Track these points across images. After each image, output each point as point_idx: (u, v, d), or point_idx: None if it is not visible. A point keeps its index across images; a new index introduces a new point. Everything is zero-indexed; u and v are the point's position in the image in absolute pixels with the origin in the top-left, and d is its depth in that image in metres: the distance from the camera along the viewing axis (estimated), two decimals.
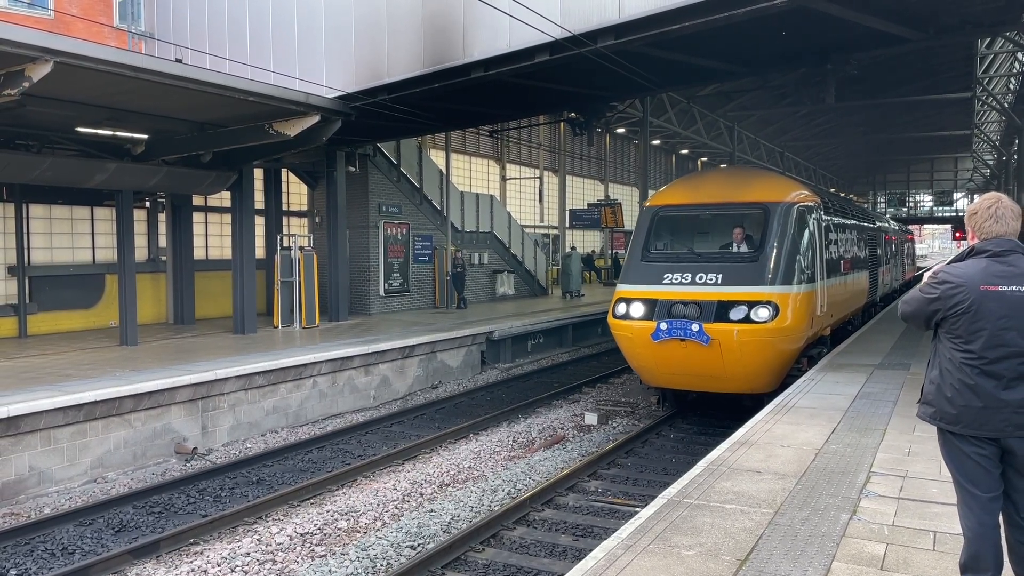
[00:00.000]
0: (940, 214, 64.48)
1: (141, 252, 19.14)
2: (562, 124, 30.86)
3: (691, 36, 11.15)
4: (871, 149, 54.65)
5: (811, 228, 11.69)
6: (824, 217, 12.70)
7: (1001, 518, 3.81)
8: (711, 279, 10.87)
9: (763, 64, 15.40)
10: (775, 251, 10.93)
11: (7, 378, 11.51)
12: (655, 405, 13.53)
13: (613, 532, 5.40)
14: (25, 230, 16.90)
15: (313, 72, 14.60)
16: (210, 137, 15.03)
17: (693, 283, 10.94)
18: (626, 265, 12.03)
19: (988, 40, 28.28)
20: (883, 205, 64.80)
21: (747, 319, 10.44)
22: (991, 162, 55.88)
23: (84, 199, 18.01)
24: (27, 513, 9.26)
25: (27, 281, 16.94)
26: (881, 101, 31.35)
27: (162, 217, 19.70)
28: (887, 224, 24.63)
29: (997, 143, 46.67)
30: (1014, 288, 3.63)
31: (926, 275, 3.98)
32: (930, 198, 66.11)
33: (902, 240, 28.50)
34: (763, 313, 10.45)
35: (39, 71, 9.84)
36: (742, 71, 15.76)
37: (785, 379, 11.34)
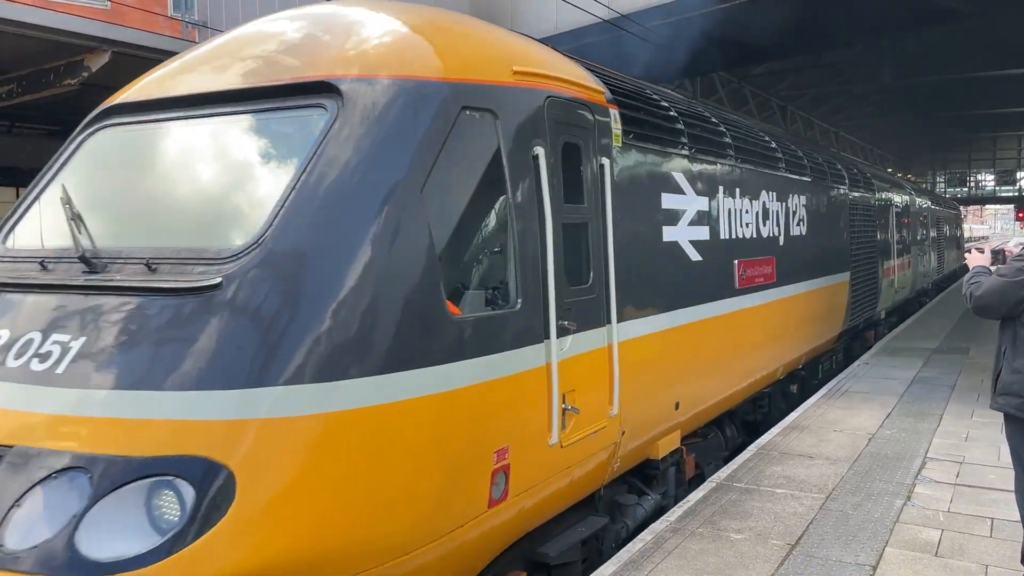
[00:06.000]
0: (1002, 193, 62.55)
1: None
2: None
3: (743, 14, 10.97)
4: (930, 128, 53.20)
5: (546, 176, 4.28)
6: (658, 150, 5.73)
7: None
8: (63, 350, 3.30)
9: (818, 42, 15.09)
10: (290, 247, 3.40)
11: None
12: None
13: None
14: None
15: None
16: None
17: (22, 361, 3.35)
18: None
19: None
20: (942, 185, 63.14)
21: (73, 547, 2.81)
22: None
23: None
24: None
25: None
26: (940, 78, 30.46)
27: None
28: (907, 196, 16.42)
29: None
30: None
31: (972, 259, 3.83)
32: (992, 177, 64.16)
33: (938, 219, 21.47)
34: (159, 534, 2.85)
35: (97, 61, 10.10)
36: (795, 50, 15.46)
37: None
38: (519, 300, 4.02)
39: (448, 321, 3.57)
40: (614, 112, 5.10)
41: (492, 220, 4.07)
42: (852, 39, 14.76)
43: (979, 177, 64.74)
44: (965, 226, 57.97)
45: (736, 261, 6.89)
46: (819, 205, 9.66)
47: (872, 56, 24.10)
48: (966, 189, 63.03)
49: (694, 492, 5.66)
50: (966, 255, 3.91)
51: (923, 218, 18.24)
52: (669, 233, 5.75)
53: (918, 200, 17.86)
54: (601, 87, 5.15)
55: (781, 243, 8.15)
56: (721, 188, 6.71)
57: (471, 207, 3.92)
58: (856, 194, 11.46)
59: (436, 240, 3.58)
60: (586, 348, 4.57)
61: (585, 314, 4.57)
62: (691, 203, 6.15)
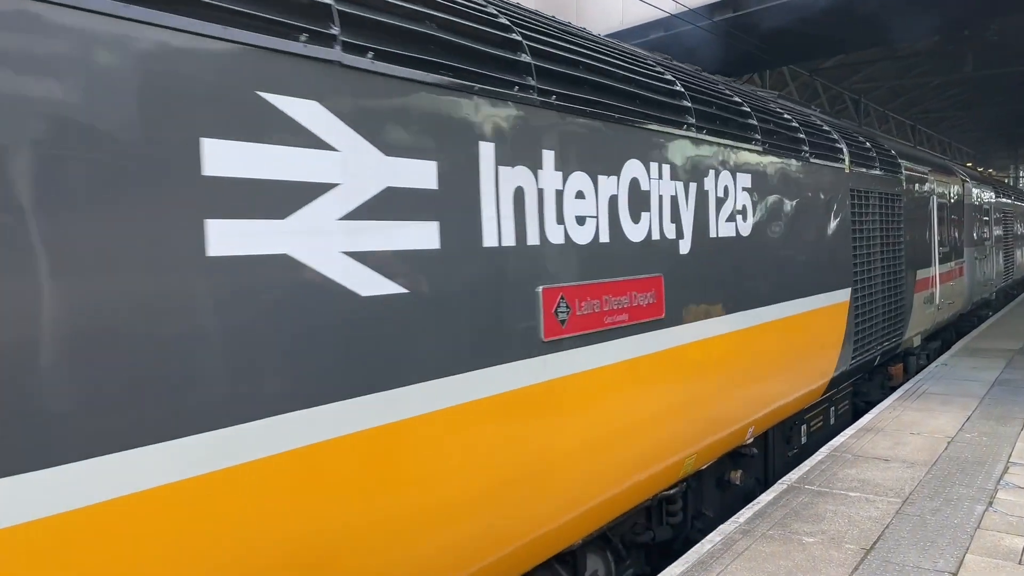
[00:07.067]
0: None
1: None
2: None
3: (812, 5, 10.72)
4: (1012, 120, 51.19)
5: None
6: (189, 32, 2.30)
7: None
8: None
9: (892, 32, 14.63)
10: None
11: None
12: None
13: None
14: None
15: None
16: None
17: None
18: None
19: None
20: None
21: None
22: None
23: None
24: None
25: None
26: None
27: None
28: (959, 184, 12.92)
29: None
30: None
31: None
32: None
33: (1006, 213, 18.38)
34: None
35: None
36: (868, 41, 15.03)
37: None
38: None
39: None
40: None
41: None
42: (932, 29, 14.24)
43: None
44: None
45: (541, 288, 3.64)
46: (785, 190, 6.19)
47: (952, 47, 23.29)
48: None
49: (764, 494, 5.54)
50: None
51: (983, 212, 14.75)
52: (242, 237, 2.42)
53: (976, 190, 14.05)
54: None
55: (684, 251, 4.77)
56: (493, 146, 3.39)
57: None
58: (867, 178, 8.09)
59: None
60: None
61: None
62: (362, 169, 2.80)
